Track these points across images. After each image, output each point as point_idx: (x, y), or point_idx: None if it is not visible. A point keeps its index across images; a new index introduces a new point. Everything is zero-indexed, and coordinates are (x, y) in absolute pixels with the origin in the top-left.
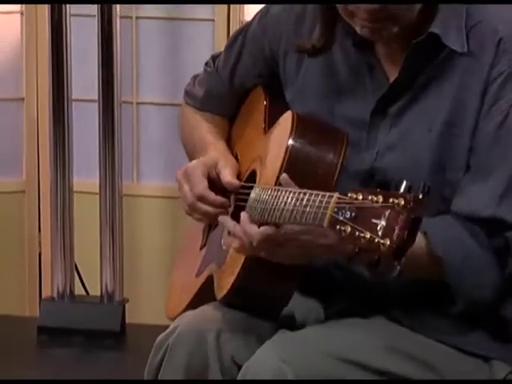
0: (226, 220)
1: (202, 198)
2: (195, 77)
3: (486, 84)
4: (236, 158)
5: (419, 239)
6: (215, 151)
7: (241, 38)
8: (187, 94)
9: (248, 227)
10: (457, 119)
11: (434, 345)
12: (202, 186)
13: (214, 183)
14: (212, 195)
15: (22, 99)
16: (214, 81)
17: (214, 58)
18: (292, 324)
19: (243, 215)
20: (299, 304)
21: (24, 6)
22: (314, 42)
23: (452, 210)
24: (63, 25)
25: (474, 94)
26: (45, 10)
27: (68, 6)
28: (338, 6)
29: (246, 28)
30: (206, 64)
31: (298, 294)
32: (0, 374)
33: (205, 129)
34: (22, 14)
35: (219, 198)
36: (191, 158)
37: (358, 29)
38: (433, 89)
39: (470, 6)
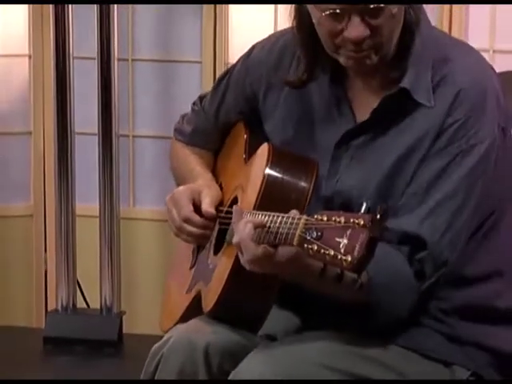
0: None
1: (187, 221)
2: (183, 116)
3: (440, 129)
4: (220, 186)
5: None
6: (202, 181)
7: (225, 79)
8: (176, 131)
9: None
10: (408, 157)
11: (399, 351)
12: (187, 209)
13: (198, 208)
14: (197, 218)
15: (30, 133)
16: (201, 119)
17: (201, 98)
18: (273, 336)
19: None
20: (278, 318)
21: (32, 49)
22: (299, 75)
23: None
24: (67, 66)
25: (428, 137)
26: (50, 53)
27: (71, 49)
28: (323, 40)
29: (230, 71)
30: (194, 104)
31: (277, 308)
32: (9, 379)
33: (193, 161)
34: (29, 57)
35: (203, 220)
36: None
37: (343, 60)
38: (394, 130)
39: (436, 60)
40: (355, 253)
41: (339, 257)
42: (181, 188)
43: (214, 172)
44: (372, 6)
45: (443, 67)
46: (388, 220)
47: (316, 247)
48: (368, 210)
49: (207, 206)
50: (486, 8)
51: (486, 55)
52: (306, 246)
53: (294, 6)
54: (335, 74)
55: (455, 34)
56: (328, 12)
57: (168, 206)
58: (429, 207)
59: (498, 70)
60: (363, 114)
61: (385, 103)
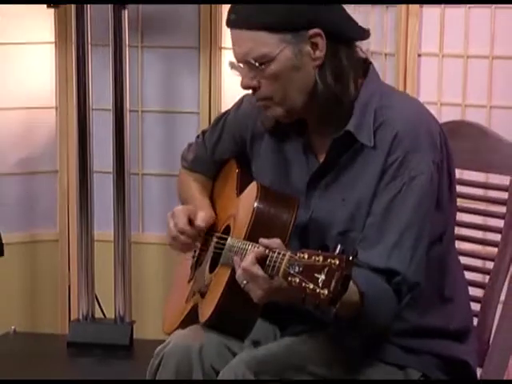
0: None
1: (182, 232)
2: (190, 145)
3: (383, 168)
4: (215, 213)
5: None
6: (200, 204)
7: (222, 121)
8: (182, 158)
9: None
10: (362, 195)
11: (363, 358)
12: (183, 222)
13: (193, 224)
14: (190, 230)
15: (57, 171)
16: (201, 150)
17: (204, 132)
18: (257, 342)
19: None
20: (262, 327)
21: (58, 102)
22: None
23: (359, 259)
24: (87, 116)
25: (375, 176)
26: (73, 105)
27: (91, 102)
28: None
29: (226, 114)
30: (198, 137)
31: (262, 319)
32: (38, 378)
33: (194, 187)
34: (56, 108)
35: (195, 232)
36: None
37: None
38: (348, 171)
39: (378, 108)
40: (331, 287)
41: (317, 290)
42: (180, 207)
43: (211, 199)
44: (249, 60)
45: (384, 113)
46: (362, 254)
47: (298, 280)
48: (342, 252)
49: (200, 222)
50: (435, 67)
51: (434, 107)
52: (289, 278)
53: None
54: (300, 126)
55: (408, 88)
56: (236, 64)
57: (168, 219)
58: (392, 241)
59: (444, 120)
60: (323, 156)
61: (335, 145)
